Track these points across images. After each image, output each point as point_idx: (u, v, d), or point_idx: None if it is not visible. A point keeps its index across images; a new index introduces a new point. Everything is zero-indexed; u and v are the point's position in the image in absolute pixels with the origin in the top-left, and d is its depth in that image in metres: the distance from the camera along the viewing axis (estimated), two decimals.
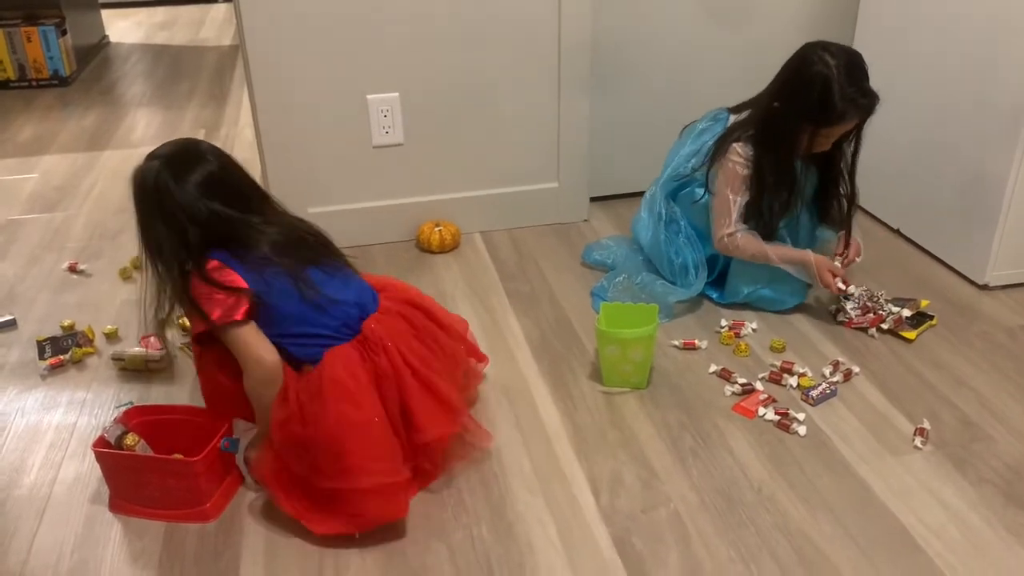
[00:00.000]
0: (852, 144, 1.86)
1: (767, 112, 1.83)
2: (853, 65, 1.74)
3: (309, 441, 1.35)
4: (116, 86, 3.95)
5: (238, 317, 1.36)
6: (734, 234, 1.88)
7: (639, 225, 2.11)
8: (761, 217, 1.89)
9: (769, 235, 1.90)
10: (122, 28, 4.87)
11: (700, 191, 1.96)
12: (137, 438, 1.45)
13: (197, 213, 1.36)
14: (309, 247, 1.47)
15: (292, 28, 2.06)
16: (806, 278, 1.91)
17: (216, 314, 1.35)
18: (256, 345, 1.38)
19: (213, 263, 1.37)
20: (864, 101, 1.74)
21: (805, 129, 1.79)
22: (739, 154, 1.85)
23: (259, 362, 1.38)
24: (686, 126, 2.05)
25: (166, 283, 1.38)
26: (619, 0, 2.30)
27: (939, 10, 2.06)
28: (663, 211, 2.00)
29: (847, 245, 1.93)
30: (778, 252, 1.88)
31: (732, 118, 1.94)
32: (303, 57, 2.10)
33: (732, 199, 1.88)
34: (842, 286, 1.87)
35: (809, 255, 1.87)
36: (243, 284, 1.37)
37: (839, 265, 1.90)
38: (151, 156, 1.39)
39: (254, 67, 2.09)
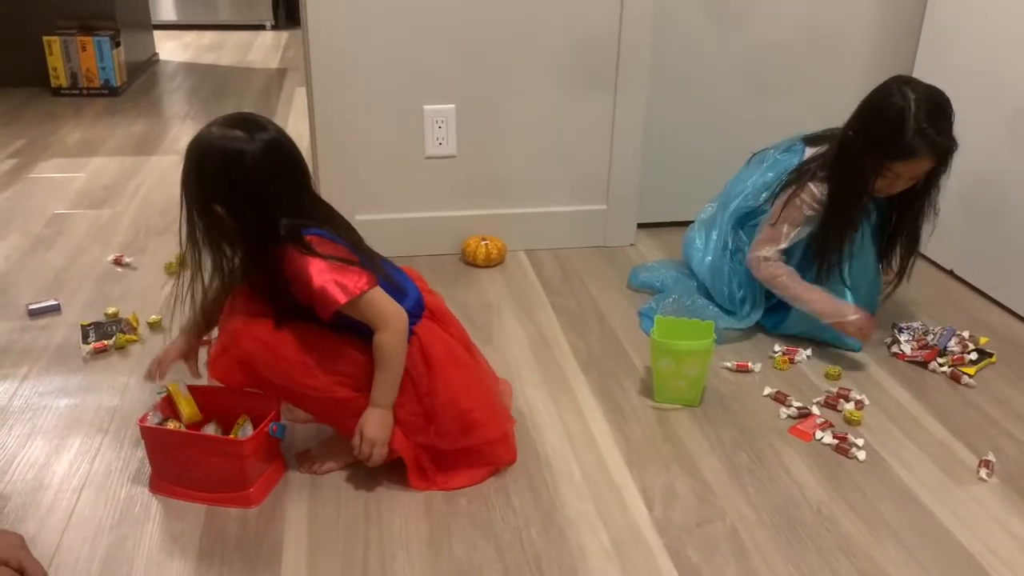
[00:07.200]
0: (925, 195, 1.79)
1: (841, 141, 1.77)
2: (934, 104, 1.67)
3: (429, 412, 1.39)
4: (164, 99, 4.01)
5: (372, 284, 1.33)
6: (770, 259, 1.83)
7: (692, 249, 2.07)
8: (822, 258, 1.81)
9: (825, 278, 1.82)
10: (171, 48, 4.97)
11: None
12: (179, 424, 1.42)
13: (295, 186, 1.35)
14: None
15: (356, 33, 2.08)
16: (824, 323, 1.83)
17: (356, 286, 1.30)
18: (391, 299, 1.35)
19: (314, 238, 1.32)
20: (938, 140, 1.66)
21: (874, 161, 1.70)
22: (811, 194, 1.79)
23: (399, 314, 1.35)
24: (756, 153, 2.00)
25: (247, 269, 1.37)
26: (679, 30, 2.30)
27: None
28: (729, 241, 1.95)
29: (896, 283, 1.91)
30: (813, 296, 1.81)
31: (808, 150, 1.89)
32: (364, 61, 2.11)
33: (786, 232, 1.82)
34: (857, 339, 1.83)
35: (836, 315, 1.78)
36: (352, 256, 1.34)
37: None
38: (222, 126, 1.30)
39: (316, 69, 2.10)
